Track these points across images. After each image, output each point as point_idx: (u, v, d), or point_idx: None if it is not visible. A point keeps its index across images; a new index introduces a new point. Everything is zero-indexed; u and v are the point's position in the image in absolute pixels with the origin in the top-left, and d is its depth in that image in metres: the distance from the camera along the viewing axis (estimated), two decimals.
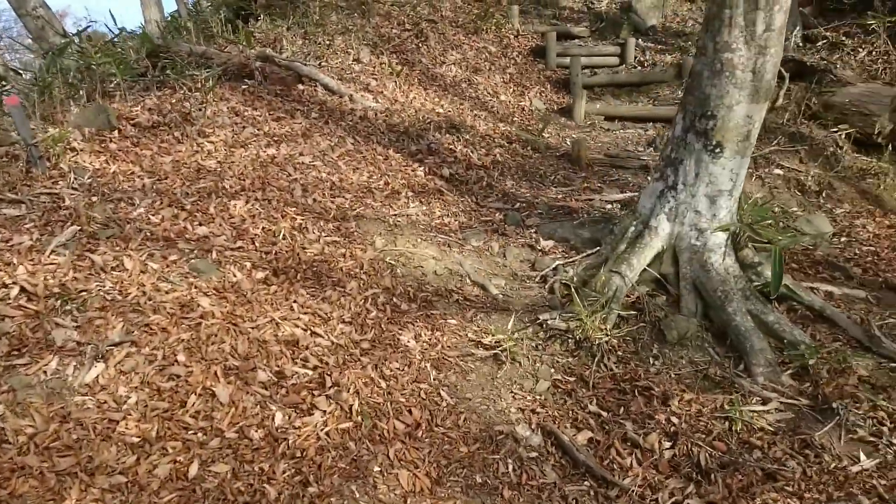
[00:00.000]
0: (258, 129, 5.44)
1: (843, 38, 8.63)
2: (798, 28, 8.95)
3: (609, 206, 5.39)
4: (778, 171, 6.65)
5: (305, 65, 6.85)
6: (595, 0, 12.22)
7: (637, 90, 9.01)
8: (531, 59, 9.87)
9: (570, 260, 4.58)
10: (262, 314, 3.48)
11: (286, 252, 4.06)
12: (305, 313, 3.65)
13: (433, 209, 5.15)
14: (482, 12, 10.45)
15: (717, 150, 3.98)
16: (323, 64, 7.27)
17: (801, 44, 8.87)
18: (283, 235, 4.19)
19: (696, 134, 4.04)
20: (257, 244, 4.07)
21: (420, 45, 8.86)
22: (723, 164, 4.01)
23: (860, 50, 8.52)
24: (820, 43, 8.76)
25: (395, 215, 4.90)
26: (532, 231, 5.00)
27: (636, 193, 5.56)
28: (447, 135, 6.37)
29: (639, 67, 9.58)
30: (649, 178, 5.59)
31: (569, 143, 7.11)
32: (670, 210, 4.22)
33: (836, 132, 7.46)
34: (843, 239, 5.70)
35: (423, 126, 6.45)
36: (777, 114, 7.77)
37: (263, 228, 4.22)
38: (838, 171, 7.10)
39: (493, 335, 3.82)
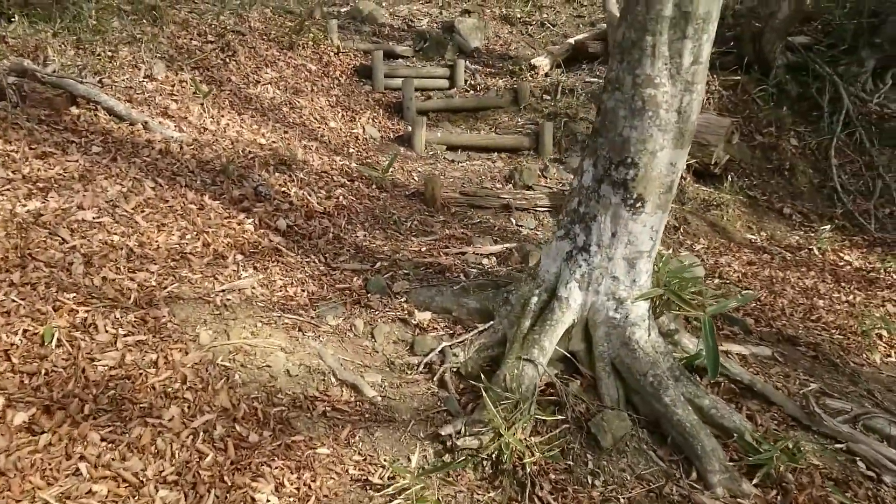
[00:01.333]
0: (13, 172, 3.90)
1: None
2: None
3: (486, 262, 4.55)
4: None
5: (81, 81, 5.29)
6: (415, 18, 11.54)
7: (474, 116, 8.38)
8: (356, 79, 8.88)
9: (459, 340, 3.65)
10: (24, 496, 2.14)
11: (63, 370, 2.71)
12: (101, 479, 2.35)
13: (272, 277, 3.97)
14: (297, 25, 9.28)
15: (638, 204, 3.28)
16: (105, 81, 5.71)
17: None
18: (58, 342, 2.82)
19: (612, 185, 3.31)
20: (14, 361, 2.67)
21: (228, 60, 7.51)
22: (644, 220, 3.32)
23: None
24: None
25: (224, 291, 3.66)
26: (402, 300, 4.00)
27: (513, 244, 4.78)
28: (277, 173, 5.18)
29: (471, 91, 8.98)
30: (551, 233, 4.80)
31: (417, 178, 6.21)
32: (583, 276, 3.45)
33: None
34: (716, 281, 5.38)
35: (246, 162, 5.19)
36: None
37: (24, 333, 2.81)
38: (684, 204, 6.94)
39: (385, 467, 2.78)
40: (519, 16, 11.60)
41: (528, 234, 5.46)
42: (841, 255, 6.59)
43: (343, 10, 11.74)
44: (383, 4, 12.00)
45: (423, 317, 3.86)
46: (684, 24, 3.06)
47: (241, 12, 9.05)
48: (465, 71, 9.34)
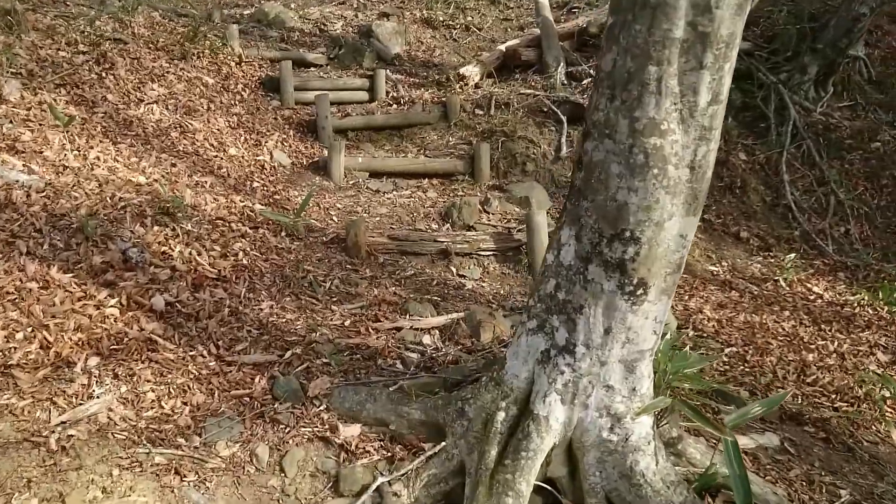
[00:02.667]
0: None
1: None
2: (562, 64, 8.13)
3: (427, 340, 3.61)
4: None
5: None
6: (328, 22, 10.46)
7: (399, 134, 7.42)
8: (262, 93, 7.75)
9: (401, 472, 2.70)
10: None
11: None
12: None
13: (141, 388, 2.91)
14: (190, 31, 8.06)
15: (640, 291, 2.42)
16: None
17: (566, 82, 8.04)
18: None
19: (604, 267, 2.43)
20: None
21: (104, 74, 6.27)
22: (646, 311, 2.47)
23: None
24: (585, 81, 8.02)
25: (64, 424, 2.58)
26: (321, 408, 3.01)
27: (459, 314, 3.86)
28: (156, 226, 4.08)
29: (395, 105, 8.01)
30: (515, 325, 3.88)
31: (336, 218, 5.20)
32: (566, 386, 2.57)
33: None
34: (690, 333, 4.63)
35: (115, 213, 4.07)
36: (564, 166, 6.73)
37: None
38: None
39: None
40: (441, 19, 10.71)
41: (472, 287, 4.56)
42: (808, 285, 6.01)
43: (246, 12, 10.55)
44: (291, 6, 10.87)
45: (351, 433, 2.89)
46: (701, 50, 2.21)
47: (123, 17, 7.77)
48: (386, 82, 8.37)
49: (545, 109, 7.33)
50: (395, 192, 6.02)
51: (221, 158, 5.72)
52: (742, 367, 4.16)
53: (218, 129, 6.30)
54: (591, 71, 8.05)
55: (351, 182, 6.16)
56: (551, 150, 6.86)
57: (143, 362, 3.06)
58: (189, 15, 9.06)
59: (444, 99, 7.79)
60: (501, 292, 4.56)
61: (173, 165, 5.22)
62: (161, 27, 8.13)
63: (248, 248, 4.29)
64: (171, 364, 3.09)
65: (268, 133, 6.70)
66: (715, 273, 6.08)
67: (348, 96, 8.18)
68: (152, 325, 3.29)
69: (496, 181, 6.49)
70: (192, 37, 7.94)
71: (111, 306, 3.31)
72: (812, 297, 5.77)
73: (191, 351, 3.23)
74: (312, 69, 9.01)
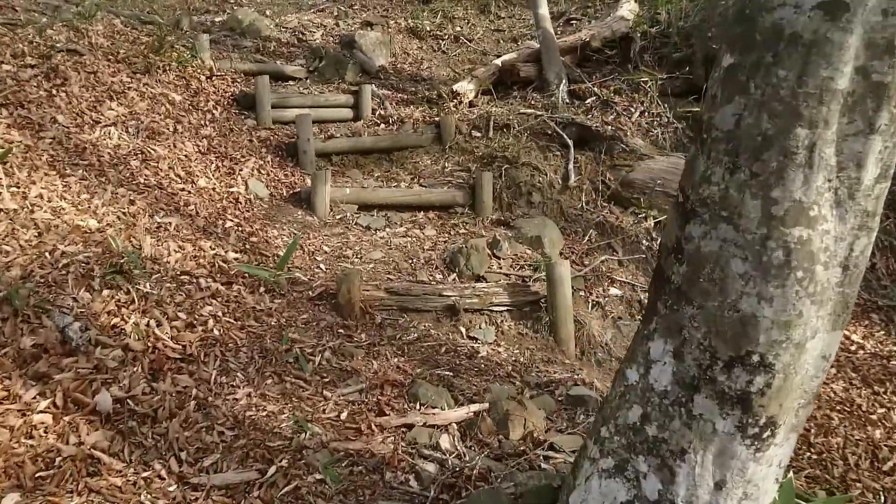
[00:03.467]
0: None
1: (613, 96, 7.36)
2: (564, 82, 7.49)
3: (445, 441, 2.91)
4: (615, 290, 4.82)
5: None
6: (306, 30, 9.72)
7: (388, 158, 6.71)
8: (236, 112, 6.99)
9: None
10: None
11: None
12: None
13: None
14: (156, 41, 7.28)
15: (767, 433, 1.76)
16: None
17: (568, 101, 7.41)
18: None
19: (717, 399, 1.76)
20: None
21: (55, 91, 5.49)
22: (770, 457, 1.80)
23: (632, 110, 7.31)
24: (589, 100, 7.39)
25: None
26: None
27: (483, 405, 3.17)
28: (107, 289, 3.32)
29: (382, 125, 7.30)
30: (580, 462, 3.19)
31: (324, 266, 4.48)
32: None
33: (641, 216, 6.00)
34: None
35: (55, 274, 3.30)
36: (573, 196, 6.07)
37: None
38: None
39: None
40: (428, 28, 10.04)
41: (487, 353, 3.87)
42: (844, 332, 5.42)
43: (217, 19, 9.77)
44: (267, 13, 10.12)
45: None
46: (873, 107, 1.55)
47: (79, 25, 6.96)
48: (372, 98, 7.66)
49: (549, 132, 6.68)
50: (388, 229, 5.31)
51: (189, 192, 4.96)
52: (809, 454, 3.53)
53: (185, 156, 5.54)
54: (595, 89, 7.43)
55: (338, 217, 5.43)
56: (558, 179, 6.21)
57: (79, 494, 2.31)
58: (155, 22, 8.27)
59: (437, 119, 7.10)
60: (521, 360, 3.88)
61: (132, 203, 4.46)
62: (123, 36, 7.33)
63: (220, 313, 3.55)
64: (117, 495, 2.35)
65: (242, 159, 5.94)
66: None
67: (331, 114, 7.46)
68: (95, 435, 2.55)
69: (500, 214, 5.82)
70: (157, 47, 7.16)
71: (41, 411, 2.56)
72: (853, 349, 5.18)
73: (145, 470, 2.49)
74: (291, 83, 8.27)
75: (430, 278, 4.34)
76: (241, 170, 5.72)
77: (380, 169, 6.57)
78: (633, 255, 5.59)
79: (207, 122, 6.37)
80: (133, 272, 3.48)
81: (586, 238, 5.58)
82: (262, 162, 6.05)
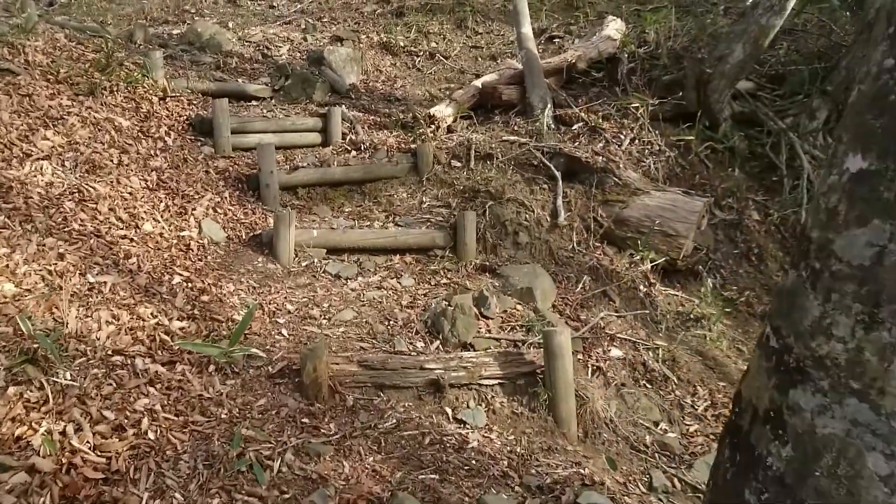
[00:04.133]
0: None
1: (602, 122, 6.87)
2: (549, 106, 6.99)
3: None
4: (616, 350, 4.31)
5: None
6: (272, 45, 9.09)
7: (360, 190, 6.13)
8: (191, 137, 6.35)
9: None
10: None
11: None
12: None
13: None
14: (102, 58, 6.61)
15: None
16: None
17: (554, 127, 6.91)
18: None
19: None
20: None
21: None
22: None
23: (622, 137, 6.84)
24: (576, 126, 6.90)
25: None
26: None
27: None
28: (13, 386, 2.69)
29: (353, 152, 6.72)
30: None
31: (286, 331, 3.87)
32: None
33: (637, 259, 5.51)
34: None
35: None
36: (563, 235, 5.56)
37: None
38: (659, 323, 5.08)
39: None
40: (402, 44, 9.49)
41: (478, 444, 3.30)
42: None
43: (175, 31, 9.10)
44: (230, 26, 9.47)
45: None
46: None
47: (15, 40, 6.27)
48: (342, 121, 7.08)
49: (535, 162, 6.16)
50: (360, 278, 4.73)
51: (132, 240, 4.32)
52: None
53: (130, 194, 4.89)
54: (583, 114, 6.94)
55: (304, 264, 4.83)
56: (546, 216, 5.69)
57: None
58: (104, 36, 7.58)
59: (413, 146, 6.54)
60: (518, 449, 3.32)
61: (61, 257, 3.81)
62: (66, 52, 6.65)
63: (159, 406, 2.93)
64: None
65: (197, 195, 5.31)
66: None
67: (298, 140, 6.86)
68: None
69: (484, 257, 5.28)
70: (104, 65, 6.49)
71: None
72: None
73: None
74: (254, 103, 7.65)
75: (410, 346, 3.77)
76: (194, 209, 5.09)
77: (351, 203, 5.99)
78: (630, 304, 5.09)
79: (158, 152, 5.73)
80: (49, 359, 2.86)
81: (580, 285, 5.07)
82: (219, 198, 5.42)
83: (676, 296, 5.50)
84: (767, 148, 7.31)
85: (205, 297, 3.97)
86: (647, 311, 5.08)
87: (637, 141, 6.85)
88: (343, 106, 7.65)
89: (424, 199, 5.89)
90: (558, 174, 6.01)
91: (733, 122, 7.44)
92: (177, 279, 4.07)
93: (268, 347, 3.62)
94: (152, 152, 5.68)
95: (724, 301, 5.68)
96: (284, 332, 3.83)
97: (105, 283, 3.72)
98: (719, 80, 7.00)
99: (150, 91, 6.59)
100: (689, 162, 6.95)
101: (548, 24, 9.61)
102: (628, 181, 5.94)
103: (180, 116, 6.49)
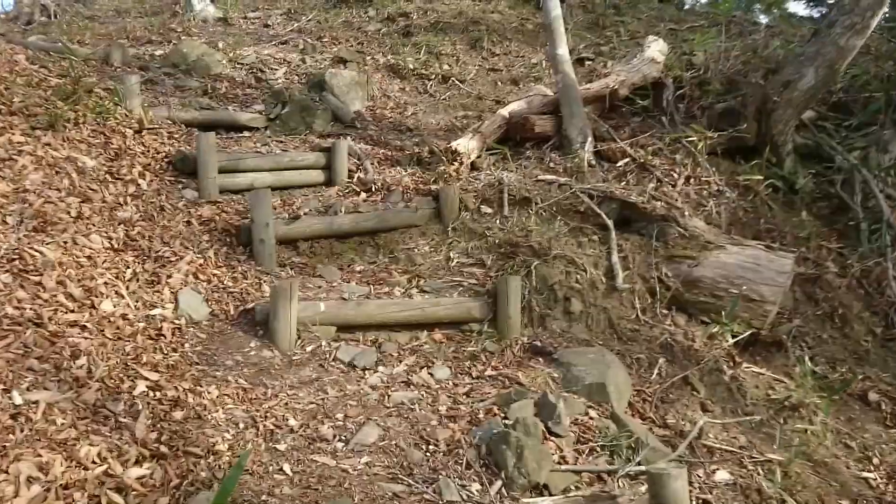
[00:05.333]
0: None
1: (651, 158, 5.90)
2: (590, 140, 6.02)
3: None
4: (723, 474, 3.27)
5: None
6: (267, 67, 8.11)
7: (373, 242, 5.12)
8: (171, 178, 5.33)
9: None
10: None
11: None
12: None
13: None
14: (68, 84, 5.61)
15: None
16: None
17: (594, 163, 5.93)
18: None
19: None
20: None
21: None
22: None
23: (675, 175, 5.87)
24: (621, 163, 5.92)
25: None
26: None
27: None
28: None
29: (362, 192, 5.71)
30: None
31: (287, 460, 2.82)
32: None
33: (717, 331, 4.51)
34: None
35: None
36: (623, 301, 4.57)
37: None
38: (750, 415, 4.07)
39: None
40: (412, 66, 8.53)
41: None
42: None
43: (158, 52, 8.11)
44: (219, 45, 8.49)
45: None
46: None
47: None
48: (349, 155, 6.08)
49: (581, 208, 5.17)
50: (382, 369, 3.69)
51: (83, 328, 3.28)
52: None
53: (89, 258, 3.86)
54: (628, 148, 5.97)
55: (309, 348, 3.79)
56: (600, 276, 4.69)
57: None
58: (74, 56, 6.56)
59: (433, 187, 5.54)
60: None
61: None
62: (24, 78, 5.63)
63: None
64: None
65: (174, 256, 4.28)
66: (872, 483, 3.97)
67: (297, 178, 5.86)
68: None
69: (531, 331, 4.27)
70: (69, 92, 5.50)
71: None
72: None
73: None
74: (246, 134, 6.65)
75: (462, 491, 2.72)
76: (169, 275, 4.05)
77: (362, 258, 4.97)
78: (715, 393, 4.08)
79: (129, 199, 4.71)
80: None
81: (654, 371, 4.06)
82: (203, 259, 4.38)
83: (763, 375, 4.49)
84: (838, 187, 6.34)
85: (178, 414, 2.92)
86: (738, 402, 4.07)
87: (693, 180, 5.88)
88: (349, 137, 6.67)
89: (452, 255, 4.88)
90: (610, 223, 5.02)
91: (798, 156, 6.49)
92: (140, 387, 3.02)
93: (264, 498, 2.56)
94: (121, 200, 4.65)
95: (817, 379, 4.66)
96: (287, 467, 2.78)
97: (37, 403, 2.67)
98: (785, 109, 6.06)
99: (124, 123, 5.58)
100: (752, 203, 5.97)
101: (574, 44, 8.66)
102: (695, 232, 4.95)
103: (158, 153, 5.47)
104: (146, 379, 3.09)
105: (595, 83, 6.44)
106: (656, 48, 6.89)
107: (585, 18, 9.66)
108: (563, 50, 6.09)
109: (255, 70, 7.93)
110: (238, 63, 8.04)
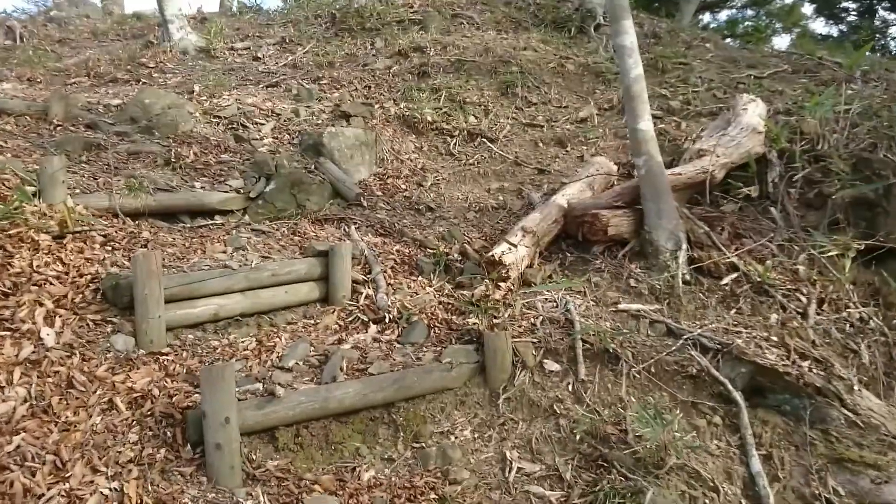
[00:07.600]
0: None
1: (768, 273, 4.27)
2: (684, 248, 4.39)
3: None
4: None
5: None
6: (249, 122, 6.48)
7: (388, 420, 3.48)
8: (96, 319, 3.68)
9: None
10: None
11: None
12: None
13: None
14: None
15: None
16: None
17: (691, 281, 4.29)
18: None
19: None
20: None
21: None
22: None
23: (801, 298, 4.23)
24: (727, 279, 4.29)
25: None
26: None
27: None
28: None
29: (372, 324, 4.09)
30: None
31: None
32: None
33: None
34: None
35: None
36: None
37: None
38: None
39: None
40: (430, 118, 6.90)
41: None
42: None
43: (114, 103, 6.48)
44: (195, 90, 6.87)
45: None
46: None
47: None
48: (353, 261, 4.46)
49: (693, 371, 3.54)
50: None
51: None
52: None
53: None
54: (736, 259, 4.34)
55: None
56: (736, 492, 3.04)
57: None
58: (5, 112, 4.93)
59: (471, 321, 3.91)
60: None
61: None
62: None
63: None
64: None
65: (75, 483, 2.62)
66: None
67: (282, 299, 4.24)
68: None
69: None
70: None
71: None
72: None
73: None
74: (218, 220, 5.05)
75: None
76: None
77: (373, 451, 3.32)
78: None
79: (19, 371, 3.05)
80: None
81: None
82: (124, 478, 2.73)
83: None
84: None
85: None
86: None
87: (826, 305, 4.25)
88: (353, 225, 5.07)
89: (508, 454, 3.24)
90: (740, 398, 3.39)
91: None
92: None
93: None
94: (2, 376, 3.00)
95: None
96: None
97: None
98: None
99: (38, 226, 3.94)
100: None
101: None
102: (871, 418, 3.31)
103: (81, 275, 3.82)
104: None
105: (686, 167, 4.80)
106: (754, 111, 5.28)
107: None
108: (646, 124, 4.46)
109: (234, 125, 6.31)
110: (215, 116, 6.42)
